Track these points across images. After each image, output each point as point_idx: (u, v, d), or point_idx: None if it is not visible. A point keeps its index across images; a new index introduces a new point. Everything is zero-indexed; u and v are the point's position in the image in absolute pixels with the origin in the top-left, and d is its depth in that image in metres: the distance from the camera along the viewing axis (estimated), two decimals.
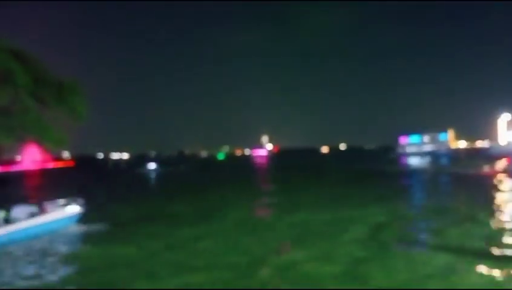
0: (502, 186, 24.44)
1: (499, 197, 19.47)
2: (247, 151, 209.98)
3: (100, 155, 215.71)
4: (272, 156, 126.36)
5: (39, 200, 15.86)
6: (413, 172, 40.94)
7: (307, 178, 38.69)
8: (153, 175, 50.03)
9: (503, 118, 70.38)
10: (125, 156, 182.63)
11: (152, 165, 65.22)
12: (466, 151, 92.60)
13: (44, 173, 77.58)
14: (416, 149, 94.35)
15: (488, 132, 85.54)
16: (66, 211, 14.94)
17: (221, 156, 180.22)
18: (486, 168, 39.78)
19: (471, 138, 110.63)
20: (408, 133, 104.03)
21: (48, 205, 15.01)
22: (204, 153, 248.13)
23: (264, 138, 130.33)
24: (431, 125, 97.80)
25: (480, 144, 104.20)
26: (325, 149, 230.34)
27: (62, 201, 15.44)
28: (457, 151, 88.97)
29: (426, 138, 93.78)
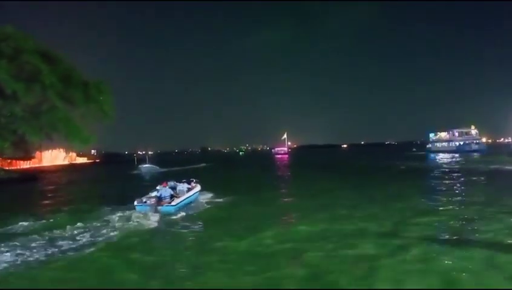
0: None
1: None
2: (267, 148, 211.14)
3: (125, 152, 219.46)
4: (293, 152, 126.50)
5: (187, 180, 21.12)
6: (444, 168, 40.07)
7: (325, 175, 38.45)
8: (147, 177, 42.92)
9: None
10: (149, 153, 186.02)
11: (146, 167, 53.57)
12: (493, 146, 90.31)
13: (71, 168, 79.73)
14: (445, 145, 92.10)
15: (509, 128, 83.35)
16: (197, 188, 20.65)
17: (241, 153, 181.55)
18: None
19: (492, 136, 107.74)
20: (433, 130, 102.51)
21: (192, 183, 20.80)
22: (226, 150, 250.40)
23: (285, 135, 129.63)
24: (451, 123, 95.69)
25: (505, 140, 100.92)
26: (345, 145, 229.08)
27: (194, 180, 21.27)
28: (488, 145, 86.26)
29: (456, 133, 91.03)
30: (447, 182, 27.25)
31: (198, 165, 56.66)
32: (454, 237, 11.07)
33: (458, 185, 25.06)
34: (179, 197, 17.89)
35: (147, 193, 18.16)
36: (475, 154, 69.43)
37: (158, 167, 55.11)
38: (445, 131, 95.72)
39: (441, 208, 16.17)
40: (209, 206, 18.68)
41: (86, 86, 15.02)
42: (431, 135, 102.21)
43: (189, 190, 19.58)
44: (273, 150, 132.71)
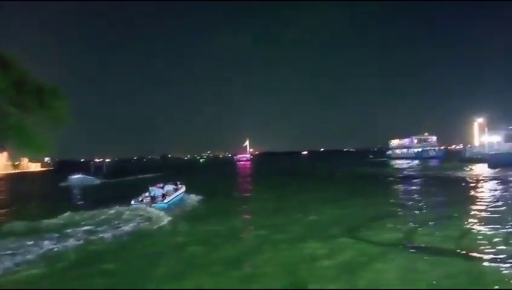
0: (481, 188, 25.26)
1: (477, 198, 20.13)
2: (229, 155, 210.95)
3: (82, 160, 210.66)
4: (254, 159, 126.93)
5: (173, 181, 24.38)
6: (403, 174, 41.74)
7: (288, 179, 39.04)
8: (75, 191, 35.79)
9: (477, 122, 72.36)
10: (107, 160, 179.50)
11: (76, 177, 45.47)
12: (449, 152, 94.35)
13: (22, 177, 75.81)
14: (405, 151, 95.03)
15: (463, 136, 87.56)
16: (183, 189, 23.97)
17: (202, 160, 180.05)
18: (468, 170, 41.29)
19: (447, 142, 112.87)
20: (392, 137, 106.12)
21: (179, 185, 24.05)
22: (186, 157, 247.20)
23: (247, 142, 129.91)
24: (408, 131, 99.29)
25: (456, 147, 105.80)
26: (305, 152, 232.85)
27: (179, 183, 24.46)
28: (445, 152, 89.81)
29: (415, 140, 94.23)
30: (402, 188, 28.51)
31: (153, 175, 51.46)
32: (395, 242, 11.64)
33: (412, 190, 26.23)
34: (170, 196, 21.19)
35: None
36: (433, 161, 72.60)
37: (93, 178, 46.73)
38: (404, 138, 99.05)
39: (392, 212, 16.96)
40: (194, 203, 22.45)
41: (41, 92, 14.41)
42: (391, 142, 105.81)
43: (176, 190, 22.83)
44: (235, 157, 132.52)
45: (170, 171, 58.82)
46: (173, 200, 21.28)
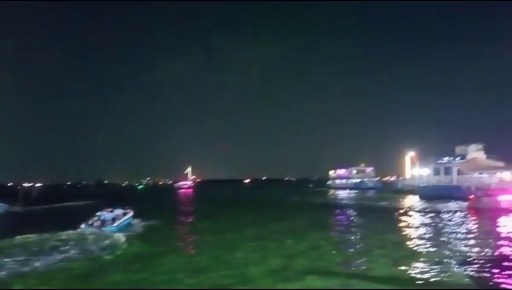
0: (409, 219, 26.94)
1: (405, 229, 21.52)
2: (170, 181, 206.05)
3: (9, 184, 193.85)
4: (196, 187, 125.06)
5: (123, 206, 25.46)
6: (340, 204, 43.30)
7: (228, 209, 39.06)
8: None
9: (409, 156, 77.49)
10: (38, 185, 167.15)
11: None
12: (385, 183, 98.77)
13: None
14: (344, 182, 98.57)
15: (397, 168, 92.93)
16: (131, 213, 25.11)
17: (140, 187, 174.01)
18: (398, 202, 43.86)
19: (383, 174, 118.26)
20: (331, 167, 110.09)
21: (126, 209, 25.01)
22: (124, 183, 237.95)
23: (189, 169, 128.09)
24: (348, 162, 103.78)
25: (390, 178, 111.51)
26: (247, 180, 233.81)
27: (127, 208, 25.52)
28: (382, 183, 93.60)
29: (354, 171, 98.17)
30: (341, 217, 29.69)
31: (85, 202, 47.20)
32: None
33: (348, 220, 27.48)
34: (119, 220, 22.25)
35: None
36: (370, 191, 75.90)
37: (5, 205, 39.32)
38: (344, 168, 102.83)
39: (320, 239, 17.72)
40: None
41: None
42: (331, 172, 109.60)
43: (124, 214, 23.90)
44: (176, 185, 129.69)
45: (104, 199, 53.02)
46: (123, 224, 22.32)
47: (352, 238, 18.79)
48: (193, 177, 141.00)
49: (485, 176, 46.34)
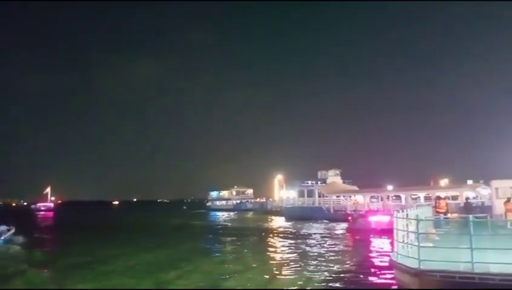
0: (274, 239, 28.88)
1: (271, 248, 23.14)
2: (25, 203, 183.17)
3: None
4: (58, 209, 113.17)
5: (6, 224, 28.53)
6: (218, 227, 43.72)
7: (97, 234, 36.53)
8: None
9: (277, 179, 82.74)
10: None
11: None
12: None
13: None
14: (224, 203, 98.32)
15: (267, 190, 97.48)
16: (13, 230, 28.36)
17: None
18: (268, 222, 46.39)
19: (261, 195, 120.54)
20: (210, 188, 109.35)
21: (10, 226, 28.48)
22: None
23: (48, 189, 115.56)
24: (220, 184, 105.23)
25: (260, 200, 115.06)
26: (116, 202, 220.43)
27: (10, 225, 28.67)
28: (260, 204, 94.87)
29: (234, 192, 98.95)
30: (220, 239, 30.34)
31: None
32: None
33: (223, 243, 28.27)
34: (5, 234, 26.56)
35: None
36: (250, 212, 77.68)
37: None
38: (223, 190, 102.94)
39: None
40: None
41: None
42: (212, 193, 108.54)
43: (8, 230, 27.71)
44: (33, 206, 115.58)
45: None
46: (7, 238, 26.65)
47: (224, 258, 19.44)
48: (54, 198, 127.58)
49: (342, 198, 52.07)
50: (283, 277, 14.86)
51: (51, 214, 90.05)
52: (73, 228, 45.84)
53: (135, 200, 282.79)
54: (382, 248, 21.36)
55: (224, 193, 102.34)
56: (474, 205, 28.65)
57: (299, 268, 16.45)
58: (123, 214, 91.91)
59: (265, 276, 15.05)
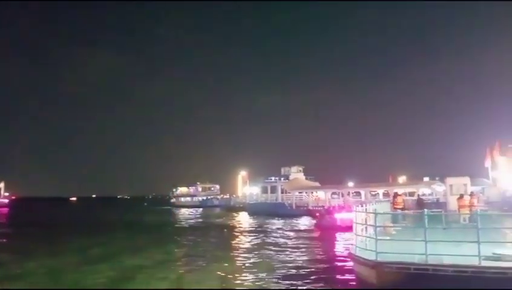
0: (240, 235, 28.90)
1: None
2: None
3: None
4: (12, 205, 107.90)
5: None
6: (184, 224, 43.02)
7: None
8: None
9: (241, 175, 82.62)
10: None
11: None
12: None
13: None
14: (189, 199, 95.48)
15: (230, 186, 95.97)
16: None
17: None
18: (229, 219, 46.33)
19: (227, 191, 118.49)
20: (174, 184, 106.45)
21: None
22: None
23: (1, 185, 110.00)
24: (189, 179, 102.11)
25: (224, 196, 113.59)
26: (74, 198, 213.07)
27: None
28: (226, 200, 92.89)
29: (199, 188, 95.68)
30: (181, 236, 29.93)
31: None
32: None
33: (189, 239, 27.93)
34: None
35: None
36: (217, 209, 76.22)
37: None
38: (189, 186, 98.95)
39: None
40: None
41: None
42: (176, 189, 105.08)
43: None
44: None
45: None
46: None
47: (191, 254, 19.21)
48: (8, 194, 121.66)
49: (304, 194, 52.82)
50: (243, 268, 14.86)
51: (5, 210, 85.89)
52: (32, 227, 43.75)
53: (94, 196, 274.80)
54: (346, 243, 21.82)
55: (190, 189, 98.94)
56: (425, 201, 29.77)
57: (258, 261, 16.56)
58: (84, 210, 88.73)
59: (230, 267, 15.04)
